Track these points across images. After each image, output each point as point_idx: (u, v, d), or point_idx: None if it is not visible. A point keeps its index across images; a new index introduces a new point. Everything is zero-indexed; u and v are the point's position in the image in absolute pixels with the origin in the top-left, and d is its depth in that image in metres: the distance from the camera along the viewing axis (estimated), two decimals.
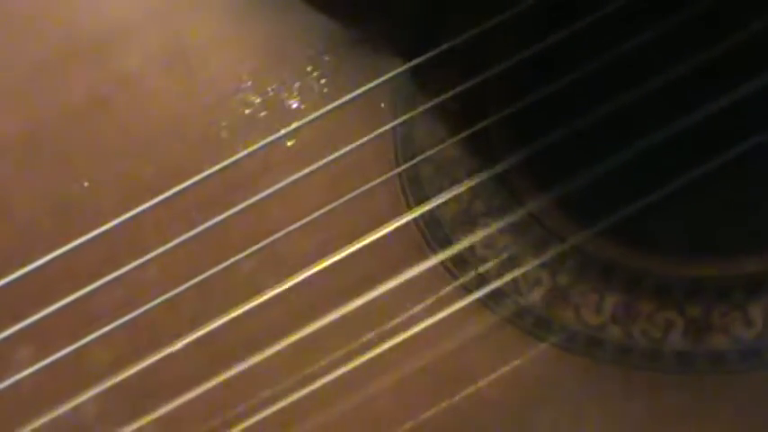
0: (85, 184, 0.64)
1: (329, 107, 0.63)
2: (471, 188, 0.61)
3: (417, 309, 0.60)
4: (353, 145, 0.62)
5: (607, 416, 0.57)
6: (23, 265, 0.62)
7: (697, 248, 0.60)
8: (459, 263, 0.61)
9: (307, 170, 0.63)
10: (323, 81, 0.64)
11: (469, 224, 0.61)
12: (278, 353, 0.60)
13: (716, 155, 0.60)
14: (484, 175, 0.62)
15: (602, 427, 0.57)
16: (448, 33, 0.63)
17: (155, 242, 0.62)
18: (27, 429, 0.60)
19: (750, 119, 0.61)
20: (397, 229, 0.61)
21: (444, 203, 0.61)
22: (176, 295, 0.61)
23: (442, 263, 0.61)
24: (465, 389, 0.58)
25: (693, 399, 0.57)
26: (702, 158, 0.60)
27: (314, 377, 0.59)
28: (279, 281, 0.61)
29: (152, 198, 0.63)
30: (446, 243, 0.61)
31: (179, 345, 0.61)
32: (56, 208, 0.64)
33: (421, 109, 0.63)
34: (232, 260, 0.62)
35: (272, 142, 0.63)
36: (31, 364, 0.61)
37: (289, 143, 0.63)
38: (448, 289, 0.60)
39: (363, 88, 0.63)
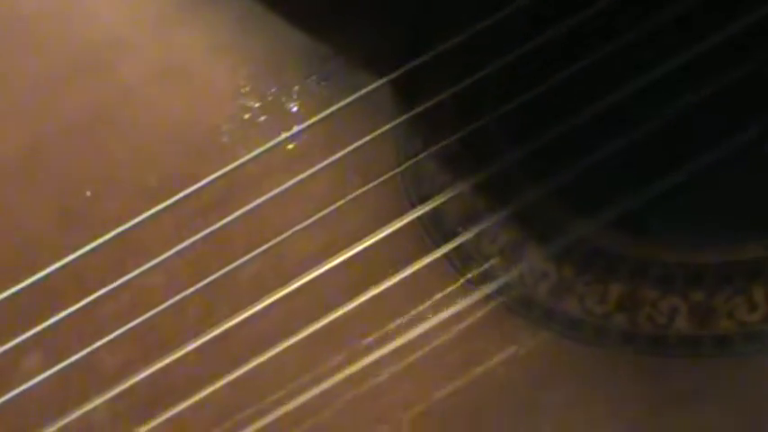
0: (88, 193, 0.64)
1: (329, 110, 0.64)
2: (474, 184, 0.62)
3: (423, 306, 0.60)
4: (354, 145, 0.63)
5: (615, 398, 0.57)
6: (31, 274, 0.62)
7: (699, 236, 0.60)
8: (464, 259, 0.61)
9: (308, 172, 0.63)
10: (323, 83, 0.64)
11: (473, 220, 0.62)
12: (285, 352, 0.60)
13: (716, 145, 0.61)
14: (486, 171, 0.62)
15: (611, 409, 0.57)
16: (444, 34, 0.64)
17: (160, 248, 0.62)
18: None
19: (751, 107, 0.62)
20: (400, 228, 0.62)
21: (447, 200, 0.62)
22: (182, 299, 0.62)
23: (447, 259, 0.61)
24: (474, 374, 0.58)
25: (699, 382, 0.57)
26: (703, 148, 0.61)
27: (323, 376, 0.60)
28: (283, 282, 0.62)
29: (156, 205, 0.63)
30: (450, 239, 0.61)
31: (187, 348, 0.61)
32: (61, 218, 0.64)
33: (421, 108, 0.63)
34: (236, 263, 0.62)
35: (272, 146, 0.64)
36: (41, 371, 0.61)
37: (289, 146, 0.64)
38: (454, 285, 0.61)
39: (363, 90, 0.64)
